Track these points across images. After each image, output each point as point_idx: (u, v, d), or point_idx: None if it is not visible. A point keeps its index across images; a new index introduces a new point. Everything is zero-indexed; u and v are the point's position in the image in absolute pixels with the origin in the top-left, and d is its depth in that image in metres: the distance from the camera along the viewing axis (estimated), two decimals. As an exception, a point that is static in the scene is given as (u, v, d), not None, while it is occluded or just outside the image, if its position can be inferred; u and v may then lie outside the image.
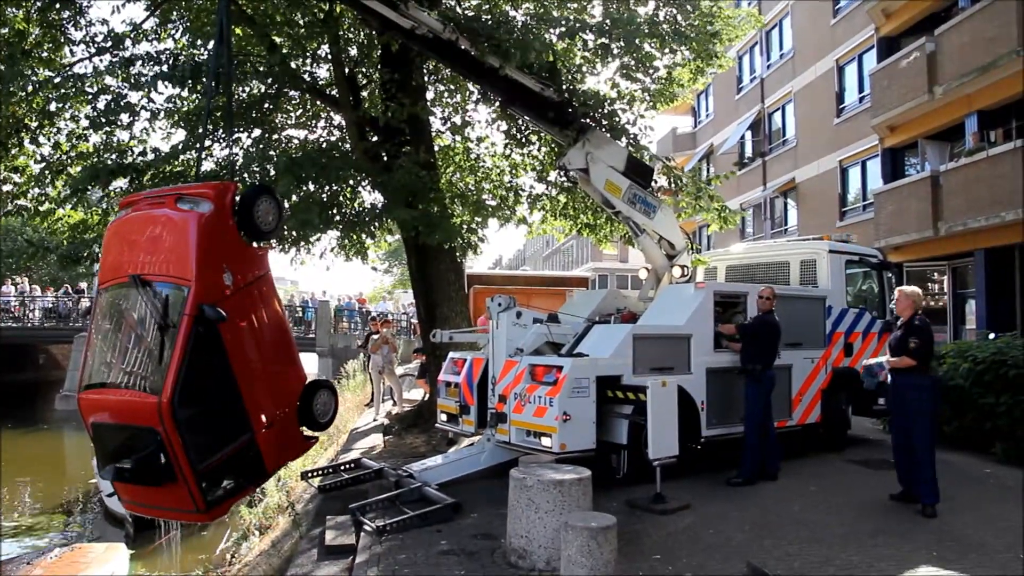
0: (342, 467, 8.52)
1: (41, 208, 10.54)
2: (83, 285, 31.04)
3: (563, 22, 9.34)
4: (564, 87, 9.14)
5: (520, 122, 11.46)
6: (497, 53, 8.16)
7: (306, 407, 6.73)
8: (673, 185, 11.60)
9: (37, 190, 10.64)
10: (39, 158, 10.91)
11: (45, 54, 10.59)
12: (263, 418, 6.21)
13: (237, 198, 6.28)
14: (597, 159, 8.99)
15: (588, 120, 9.21)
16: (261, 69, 10.28)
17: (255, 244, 6.52)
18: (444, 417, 8.71)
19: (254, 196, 6.41)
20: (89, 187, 9.01)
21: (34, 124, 10.49)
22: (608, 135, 9.49)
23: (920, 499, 6.61)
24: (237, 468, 6.09)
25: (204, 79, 9.16)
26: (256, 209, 6.29)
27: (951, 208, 15.20)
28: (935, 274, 17.93)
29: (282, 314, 6.97)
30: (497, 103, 10.36)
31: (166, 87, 9.65)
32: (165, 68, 9.44)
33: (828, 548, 5.55)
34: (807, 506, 6.76)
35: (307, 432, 6.89)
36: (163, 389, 5.42)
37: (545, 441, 6.82)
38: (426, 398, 12.66)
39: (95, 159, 10.03)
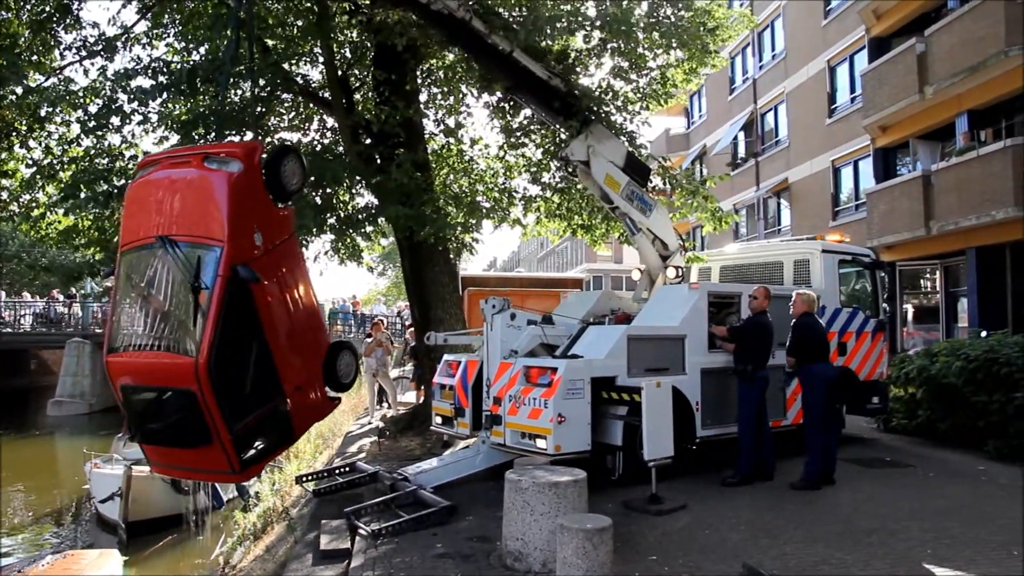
0: (337, 471, 8.48)
1: (32, 213, 10.49)
2: (73, 291, 30.87)
3: (560, 19, 9.41)
4: (570, 77, 9.25)
5: (515, 120, 11.47)
6: (508, 32, 8.30)
7: (330, 368, 6.69)
8: (668, 185, 11.65)
9: (27, 196, 10.57)
10: (30, 162, 10.85)
11: (35, 57, 10.54)
12: (293, 380, 6.16)
13: (264, 158, 6.19)
14: (598, 152, 9.09)
15: (591, 113, 9.32)
16: (254, 70, 10.25)
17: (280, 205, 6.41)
18: (439, 420, 8.69)
19: (280, 156, 6.32)
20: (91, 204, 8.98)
21: (24, 128, 10.44)
22: (609, 130, 9.61)
23: (803, 473, 7.42)
24: (268, 430, 6.04)
25: (199, 85, 9.16)
26: (282, 169, 6.20)
27: (943, 207, 15.27)
28: (927, 273, 18.02)
29: (308, 276, 6.86)
30: (497, 96, 10.47)
31: (161, 95, 9.60)
32: (161, 78, 9.38)
33: (824, 547, 5.56)
34: (802, 505, 6.77)
35: (330, 393, 6.88)
36: (199, 350, 5.33)
37: (540, 443, 6.81)
38: (420, 401, 12.63)
39: (86, 164, 9.97)
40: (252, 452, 5.89)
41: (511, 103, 10.59)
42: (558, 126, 9.85)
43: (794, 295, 7.90)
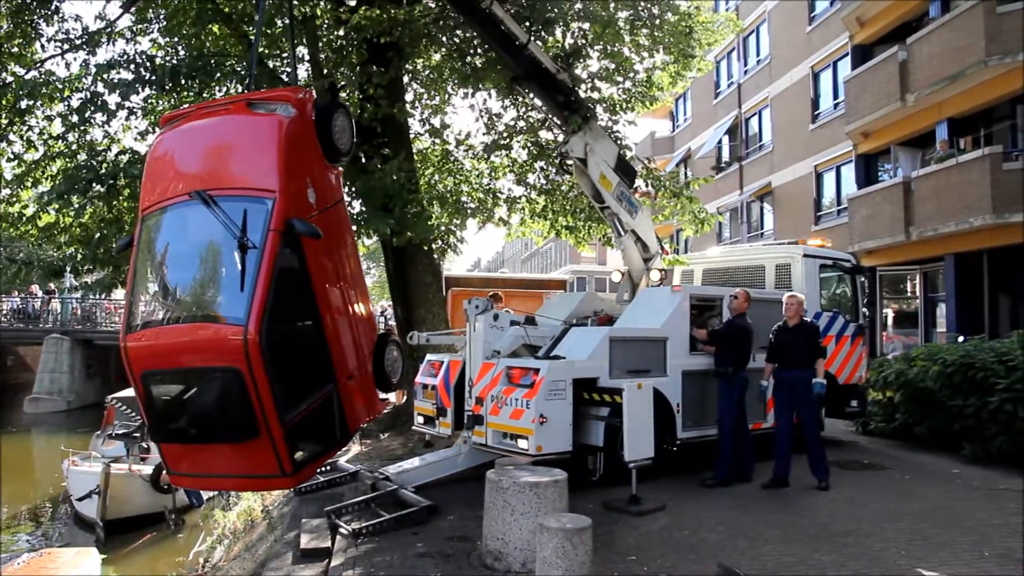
0: (318, 470, 8.44)
1: (12, 208, 10.34)
2: (52, 286, 30.42)
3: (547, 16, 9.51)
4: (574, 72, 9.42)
5: (500, 122, 11.51)
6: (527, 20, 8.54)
7: (376, 362, 5.93)
8: (652, 188, 11.77)
9: (7, 191, 10.43)
10: (11, 156, 10.70)
11: (15, 50, 10.41)
12: (346, 366, 5.36)
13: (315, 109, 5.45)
14: (595, 151, 9.23)
15: (590, 112, 9.46)
16: (238, 69, 10.19)
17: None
18: (421, 419, 8.69)
19: (331, 109, 5.50)
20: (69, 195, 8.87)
21: (5, 122, 10.29)
22: (604, 131, 9.79)
23: (816, 476, 7.47)
24: (318, 424, 5.18)
25: (183, 80, 9.09)
26: (333, 124, 5.44)
27: (922, 213, 15.48)
28: (907, 278, 18.24)
29: (357, 251, 6.10)
30: (484, 95, 10.60)
31: (144, 90, 9.52)
32: (144, 72, 9.29)
33: (800, 548, 5.62)
34: (780, 507, 6.85)
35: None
36: (249, 319, 4.42)
37: (522, 443, 6.83)
38: (403, 400, 12.61)
39: (69, 161, 9.87)
40: (303, 452, 5.02)
41: (511, 94, 10.61)
42: (559, 120, 9.89)
43: (787, 297, 7.77)
